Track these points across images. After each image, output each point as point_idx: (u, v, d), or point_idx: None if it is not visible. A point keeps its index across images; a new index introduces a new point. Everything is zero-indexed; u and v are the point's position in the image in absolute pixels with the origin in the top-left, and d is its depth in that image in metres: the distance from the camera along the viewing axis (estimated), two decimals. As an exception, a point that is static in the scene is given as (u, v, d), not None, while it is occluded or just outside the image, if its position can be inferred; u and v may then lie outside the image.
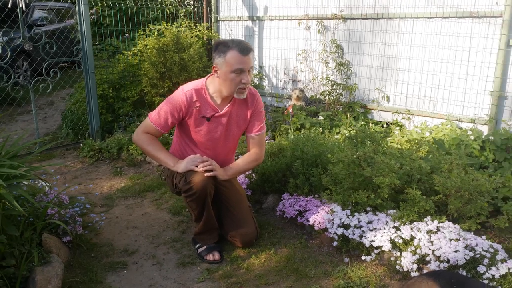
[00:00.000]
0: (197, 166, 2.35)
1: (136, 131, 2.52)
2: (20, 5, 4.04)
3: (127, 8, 5.58)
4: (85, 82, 4.56)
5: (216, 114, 2.44)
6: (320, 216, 2.50)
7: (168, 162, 2.44)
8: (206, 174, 2.33)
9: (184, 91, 2.43)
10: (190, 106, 2.40)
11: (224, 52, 2.30)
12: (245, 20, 5.43)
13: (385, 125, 4.27)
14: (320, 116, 4.24)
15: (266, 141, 3.95)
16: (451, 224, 2.21)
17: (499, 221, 2.27)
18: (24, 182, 2.48)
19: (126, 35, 6.04)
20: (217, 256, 2.46)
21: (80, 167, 4.15)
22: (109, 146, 4.34)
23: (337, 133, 3.89)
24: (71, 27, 8.21)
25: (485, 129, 3.71)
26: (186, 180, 2.32)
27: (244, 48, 2.29)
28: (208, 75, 2.51)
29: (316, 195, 2.79)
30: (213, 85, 2.43)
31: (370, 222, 2.34)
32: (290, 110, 4.41)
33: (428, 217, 2.25)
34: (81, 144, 4.47)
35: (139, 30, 5.69)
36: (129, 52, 5.32)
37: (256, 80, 5.35)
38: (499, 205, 2.53)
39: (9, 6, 4.05)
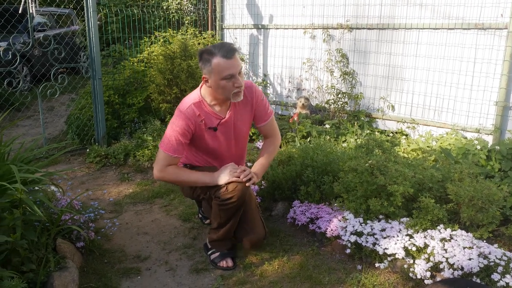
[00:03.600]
0: (239, 177, 2.31)
1: (156, 168, 2.41)
2: (31, 11, 4.07)
3: (132, 15, 5.63)
4: (92, 88, 4.58)
5: (221, 122, 2.43)
6: (333, 223, 2.53)
7: (205, 180, 2.38)
8: (248, 183, 2.31)
9: (184, 110, 2.36)
10: (196, 121, 2.37)
11: (209, 61, 2.24)
12: (250, 29, 5.48)
13: (390, 134, 4.32)
14: (326, 125, 4.28)
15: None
16: (464, 232, 2.25)
17: (510, 229, 2.31)
18: (38, 187, 2.50)
19: (129, 41, 6.08)
20: (230, 262, 2.47)
21: (86, 173, 4.16)
22: (116, 152, 4.35)
23: (344, 142, 3.93)
24: (72, 33, 8.27)
25: (490, 139, 3.77)
26: (228, 190, 2.30)
27: (227, 51, 2.22)
28: (200, 84, 2.44)
29: (327, 203, 2.82)
30: (208, 94, 2.39)
31: (383, 229, 2.37)
32: (296, 118, 4.45)
33: (441, 225, 2.28)
34: (87, 150, 4.48)
35: (144, 37, 5.73)
36: (135, 58, 5.35)
37: (260, 88, 5.40)
38: (507, 213, 2.58)
39: (20, 11, 4.08)
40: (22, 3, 4.14)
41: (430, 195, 2.40)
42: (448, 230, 2.27)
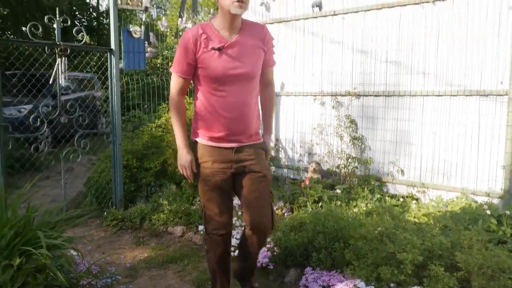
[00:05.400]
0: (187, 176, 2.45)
1: (171, 91, 2.47)
2: (60, 82, 4.39)
3: (152, 83, 5.99)
4: (112, 153, 4.80)
5: (226, 45, 2.33)
6: (345, 291, 2.56)
7: (178, 143, 2.46)
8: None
9: (188, 30, 2.40)
10: (197, 39, 2.32)
11: None
12: (262, 95, 5.74)
13: (401, 198, 4.38)
14: (337, 189, 4.37)
15: (285, 213, 4.07)
16: (475, 301, 2.26)
17: (522, 299, 2.31)
18: (60, 252, 2.61)
19: (148, 106, 6.43)
20: None
21: (103, 236, 4.26)
22: (132, 216, 4.47)
23: (355, 206, 4.00)
24: (93, 97, 8.71)
25: (500, 203, 3.81)
26: (206, 241, 2.51)
27: None
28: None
29: (338, 270, 2.86)
30: (216, 19, 2.39)
31: (394, 298, 2.40)
32: (307, 183, 4.56)
33: (452, 294, 2.31)
34: (105, 213, 4.61)
35: (163, 103, 6.05)
36: (153, 124, 5.62)
37: (273, 153, 5.56)
38: (520, 281, 2.57)
39: (50, 82, 4.41)
40: (53, 74, 4.47)
41: (440, 262, 2.44)
42: (460, 299, 2.28)
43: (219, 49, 2.31)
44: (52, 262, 2.25)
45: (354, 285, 2.56)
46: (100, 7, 19.61)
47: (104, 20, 19.11)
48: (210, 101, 2.38)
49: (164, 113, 5.64)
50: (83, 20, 17.74)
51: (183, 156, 2.44)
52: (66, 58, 4.51)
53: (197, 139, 2.46)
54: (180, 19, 7.76)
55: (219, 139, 2.40)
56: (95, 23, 18.20)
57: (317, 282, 2.76)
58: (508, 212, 3.28)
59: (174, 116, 2.46)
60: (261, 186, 2.43)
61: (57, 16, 4.31)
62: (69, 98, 7.05)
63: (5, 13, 13.10)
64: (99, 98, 8.29)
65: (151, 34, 7.39)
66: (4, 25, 14.32)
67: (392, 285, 2.49)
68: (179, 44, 2.38)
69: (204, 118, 2.42)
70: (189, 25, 7.71)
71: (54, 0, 12.79)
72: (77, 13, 16.99)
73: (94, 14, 18.53)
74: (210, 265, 2.59)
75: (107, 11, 19.50)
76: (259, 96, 2.57)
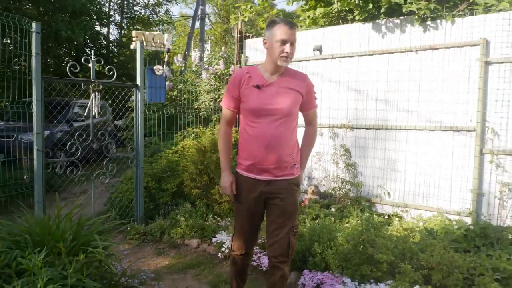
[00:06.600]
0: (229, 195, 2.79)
1: (221, 121, 2.85)
2: (94, 113, 5.11)
3: (169, 113, 6.73)
4: (135, 176, 5.48)
5: (265, 84, 2.66)
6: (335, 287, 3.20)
7: (221, 165, 2.82)
8: None
9: (238, 69, 2.84)
10: (242, 77, 2.70)
11: (272, 27, 2.63)
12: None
13: (386, 217, 5.04)
14: (332, 208, 5.04)
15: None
16: (434, 291, 2.91)
17: (472, 291, 2.96)
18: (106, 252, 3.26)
19: (161, 133, 7.15)
20: None
21: (127, 248, 4.89)
22: (152, 230, 5.12)
23: (347, 223, 4.66)
24: (104, 122, 9.37)
25: (469, 220, 4.47)
26: (231, 251, 2.99)
27: (289, 23, 2.61)
28: None
29: (330, 271, 3.50)
30: (263, 64, 2.74)
31: (373, 290, 3.04)
32: (307, 203, 5.23)
33: (417, 286, 2.95)
34: (128, 228, 5.26)
35: (179, 132, 6.77)
36: (169, 150, 6.33)
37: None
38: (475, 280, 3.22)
39: (85, 114, 5.13)
40: (88, 106, 5.20)
41: (411, 263, 3.09)
42: (423, 290, 2.93)
43: (257, 87, 2.65)
44: (106, 259, 2.90)
45: (342, 281, 3.20)
46: (110, 35, 20.63)
47: (114, 49, 20.09)
48: (247, 131, 2.69)
49: (180, 141, 6.35)
50: (94, 48, 18.62)
51: (223, 178, 2.79)
52: (99, 93, 5.25)
53: (237, 170, 2.81)
54: (193, 56, 8.60)
55: (251, 169, 2.69)
56: (104, 51, 19.08)
57: (312, 281, 3.40)
58: (472, 228, 3.94)
59: (220, 143, 2.87)
60: (280, 220, 2.67)
61: (92, 56, 5.08)
62: (82, 124, 7.73)
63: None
64: (111, 124, 8.97)
65: (166, 68, 8.19)
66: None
67: (371, 280, 3.14)
68: (229, 81, 2.79)
69: (242, 146, 2.74)
70: (196, 53, 8.48)
71: (72, 32, 13.67)
72: (88, 42, 17.82)
73: (105, 42, 19.44)
74: (231, 272, 3.12)
75: (118, 41, 20.54)
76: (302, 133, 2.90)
